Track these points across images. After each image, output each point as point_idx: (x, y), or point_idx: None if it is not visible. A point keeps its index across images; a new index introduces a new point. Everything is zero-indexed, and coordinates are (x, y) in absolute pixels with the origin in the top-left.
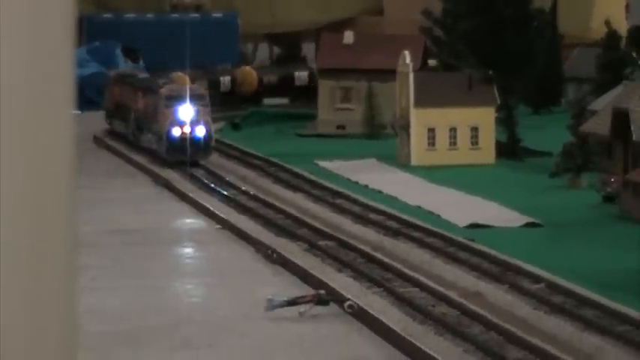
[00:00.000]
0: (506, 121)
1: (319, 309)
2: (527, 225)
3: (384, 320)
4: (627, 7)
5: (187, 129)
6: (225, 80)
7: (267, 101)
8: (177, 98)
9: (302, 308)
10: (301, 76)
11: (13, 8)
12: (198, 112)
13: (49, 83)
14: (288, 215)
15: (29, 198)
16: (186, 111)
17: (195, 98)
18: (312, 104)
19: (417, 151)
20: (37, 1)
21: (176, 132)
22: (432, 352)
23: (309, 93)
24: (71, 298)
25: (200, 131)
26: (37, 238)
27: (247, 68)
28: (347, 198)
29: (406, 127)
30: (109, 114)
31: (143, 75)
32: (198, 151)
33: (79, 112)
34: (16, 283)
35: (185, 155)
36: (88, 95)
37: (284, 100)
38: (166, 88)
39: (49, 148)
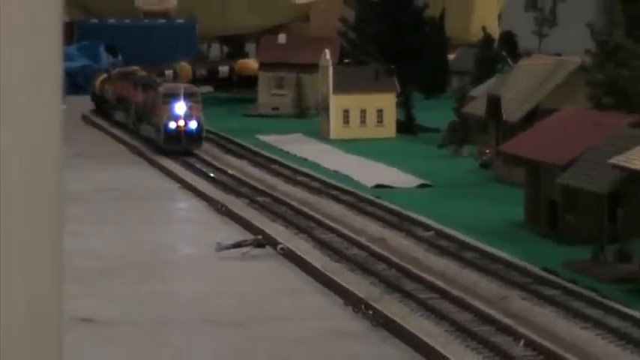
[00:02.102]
0: (404, 104)
1: (258, 250)
2: (421, 186)
3: (308, 259)
4: (500, 16)
5: (182, 122)
6: (169, 73)
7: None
8: (174, 95)
9: (244, 250)
10: (224, 70)
11: (13, 14)
12: (191, 108)
13: (42, 74)
14: (234, 177)
15: (26, 163)
16: (181, 107)
17: (189, 96)
18: (233, 91)
19: (335, 127)
20: (32, 8)
21: (172, 125)
22: (345, 284)
23: (229, 83)
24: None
25: (193, 124)
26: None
27: (184, 64)
28: (280, 164)
29: (326, 109)
30: (96, 99)
31: (142, 73)
32: (191, 142)
33: (68, 94)
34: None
35: (180, 145)
36: (78, 83)
37: (210, 89)
38: (164, 87)
39: (42, 124)
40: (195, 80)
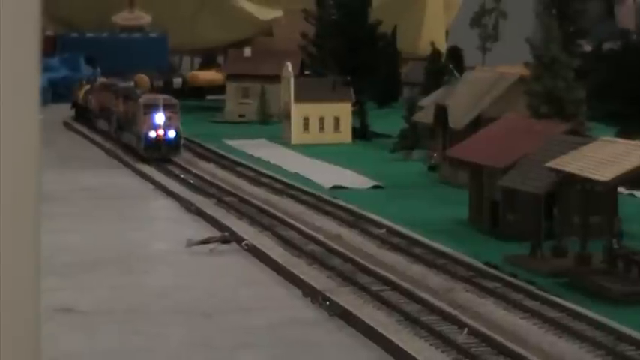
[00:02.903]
0: (359, 112)
1: (224, 246)
2: (374, 187)
3: (271, 254)
4: (447, 32)
5: (161, 132)
6: (129, 83)
7: None
8: (153, 106)
9: (212, 246)
10: (177, 81)
11: None
12: (170, 118)
13: (21, 84)
14: (202, 179)
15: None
16: (160, 117)
17: (168, 107)
18: (185, 100)
19: (296, 133)
20: (10, 21)
21: (152, 134)
22: (303, 277)
23: (181, 93)
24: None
25: (172, 134)
26: (10, 190)
27: (142, 75)
28: (245, 167)
29: (288, 116)
30: (78, 108)
31: (123, 84)
32: (170, 150)
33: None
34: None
35: (159, 153)
36: (60, 92)
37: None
38: (144, 98)
39: (22, 131)
40: (154, 90)
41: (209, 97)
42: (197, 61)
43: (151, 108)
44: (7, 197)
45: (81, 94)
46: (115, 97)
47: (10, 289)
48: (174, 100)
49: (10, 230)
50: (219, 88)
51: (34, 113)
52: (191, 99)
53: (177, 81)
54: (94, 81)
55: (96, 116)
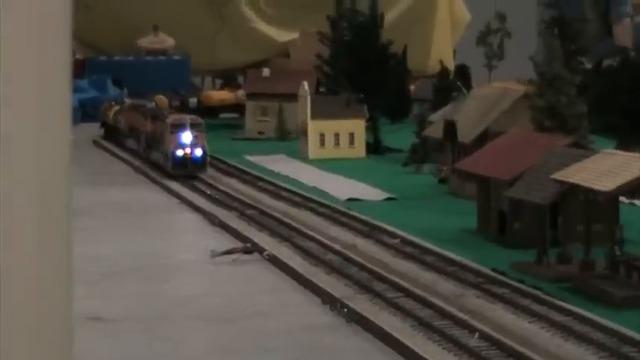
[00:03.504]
0: (372, 128)
1: (246, 257)
2: (387, 199)
3: (290, 263)
4: (455, 51)
5: (188, 150)
6: (150, 103)
7: None
8: (181, 126)
9: (235, 256)
10: (193, 101)
11: (26, 52)
12: (196, 137)
13: (53, 102)
14: (225, 193)
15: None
16: (187, 136)
17: (194, 126)
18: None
19: (313, 148)
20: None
21: (179, 152)
22: (322, 285)
23: (197, 112)
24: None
25: (198, 152)
26: (42, 204)
27: (160, 96)
28: (265, 181)
29: (305, 133)
30: (107, 128)
31: (150, 105)
32: (196, 167)
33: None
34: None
35: (187, 171)
36: (88, 112)
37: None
38: (171, 118)
39: (54, 148)
40: (171, 109)
41: (222, 115)
42: (218, 82)
43: (178, 127)
44: (40, 211)
45: (110, 114)
46: (144, 118)
47: (44, 298)
48: (200, 120)
49: (44, 242)
50: (232, 107)
51: (65, 132)
52: (205, 118)
53: (193, 101)
54: (122, 102)
55: (125, 136)
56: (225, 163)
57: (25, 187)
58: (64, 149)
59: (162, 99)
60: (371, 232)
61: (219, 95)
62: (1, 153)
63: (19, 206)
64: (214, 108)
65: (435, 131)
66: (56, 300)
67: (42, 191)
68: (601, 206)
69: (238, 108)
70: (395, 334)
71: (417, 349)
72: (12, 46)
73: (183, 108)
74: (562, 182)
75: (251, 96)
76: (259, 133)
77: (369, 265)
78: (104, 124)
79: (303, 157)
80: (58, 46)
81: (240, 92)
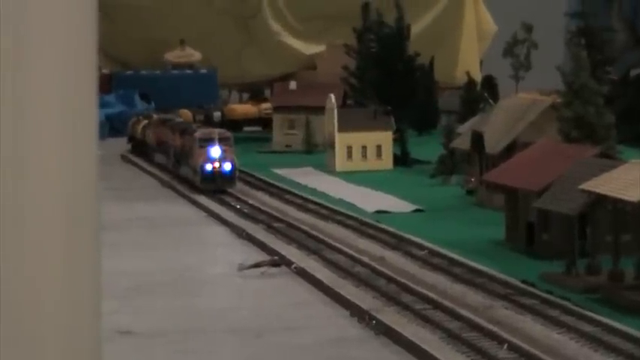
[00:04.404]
0: (399, 140)
1: (274, 270)
2: (415, 210)
3: (318, 276)
4: (481, 62)
5: (217, 164)
6: (175, 117)
7: None
8: (209, 140)
9: (263, 269)
10: (217, 115)
11: (51, 67)
12: (225, 151)
13: (80, 117)
14: (252, 206)
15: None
16: (216, 150)
17: (222, 140)
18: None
19: (340, 161)
20: (69, 60)
21: (208, 167)
22: (349, 297)
23: (221, 126)
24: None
25: (227, 166)
26: (71, 218)
27: (184, 110)
28: (293, 194)
29: (332, 145)
30: (136, 142)
31: (179, 119)
32: (225, 182)
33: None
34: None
35: (216, 185)
36: (116, 127)
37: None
38: (200, 132)
39: (81, 163)
40: (196, 123)
41: (246, 128)
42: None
43: (207, 142)
44: (68, 226)
45: (138, 128)
46: (172, 132)
47: (73, 312)
48: (229, 134)
49: (73, 257)
50: (255, 121)
51: (92, 147)
52: (230, 131)
53: (217, 115)
54: (149, 116)
55: (154, 150)
56: (252, 176)
57: (53, 202)
58: (91, 164)
59: (186, 113)
60: (399, 244)
61: (243, 109)
62: (30, 168)
63: (47, 221)
64: (238, 121)
65: (463, 143)
66: (85, 314)
67: (70, 206)
68: (629, 216)
69: (262, 121)
70: (424, 346)
71: None
72: (37, 61)
73: (208, 122)
74: (590, 193)
75: (278, 109)
76: (287, 146)
77: (398, 277)
78: (132, 139)
79: (330, 169)
80: (83, 60)
81: (264, 106)
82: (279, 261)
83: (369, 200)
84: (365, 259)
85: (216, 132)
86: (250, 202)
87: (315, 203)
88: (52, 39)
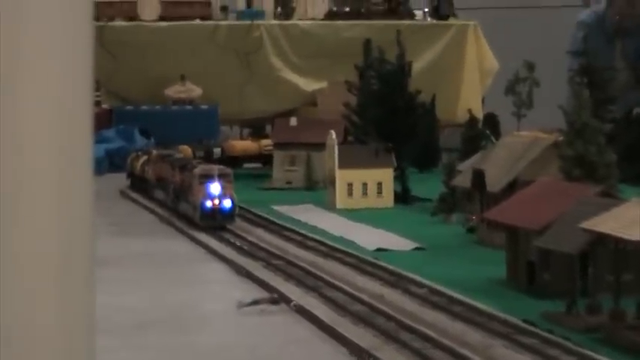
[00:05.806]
0: (400, 177)
1: (273, 307)
2: (415, 249)
3: (317, 314)
4: (483, 100)
5: (217, 201)
6: (175, 153)
7: None
8: (208, 176)
9: (262, 307)
10: (217, 151)
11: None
12: (224, 188)
13: (75, 151)
14: (251, 243)
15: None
16: (215, 187)
17: (222, 177)
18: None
19: (340, 198)
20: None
21: (208, 204)
22: (348, 335)
23: (220, 162)
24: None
25: (227, 203)
26: (65, 253)
27: (184, 146)
28: (292, 231)
29: (333, 182)
30: (134, 178)
31: (178, 155)
32: (225, 218)
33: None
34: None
35: (215, 222)
36: (116, 162)
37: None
38: (200, 168)
39: (77, 199)
40: (195, 159)
41: (246, 165)
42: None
43: (206, 178)
44: (63, 263)
45: (138, 164)
46: (172, 168)
47: (65, 349)
48: (229, 170)
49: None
50: (255, 157)
51: (88, 182)
52: (230, 168)
53: (217, 151)
54: (149, 152)
55: (153, 186)
56: (252, 212)
57: (47, 240)
58: (87, 200)
59: (186, 149)
60: (398, 281)
61: (243, 145)
62: (21, 205)
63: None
64: (238, 158)
65: (464, 180)
66: (78, 351)
67: (64, 243)
68: (630, 255)
69: (262, 158)
70: None
71: None
72: (31, 93)
73: (208, 158)
74: (591, 231)
75: (279, 145)
76: (287, 182)
77: (397, 315)
78: (131, 175)
79: (330, 206)
80: (79, 95)
81: (264, 142)
82: (277, 298)
83: (369, 237)
84: (364, 296)
85: (216, 168)
86: (250, 239)
87: (315, 240)
88: (46, 72)
